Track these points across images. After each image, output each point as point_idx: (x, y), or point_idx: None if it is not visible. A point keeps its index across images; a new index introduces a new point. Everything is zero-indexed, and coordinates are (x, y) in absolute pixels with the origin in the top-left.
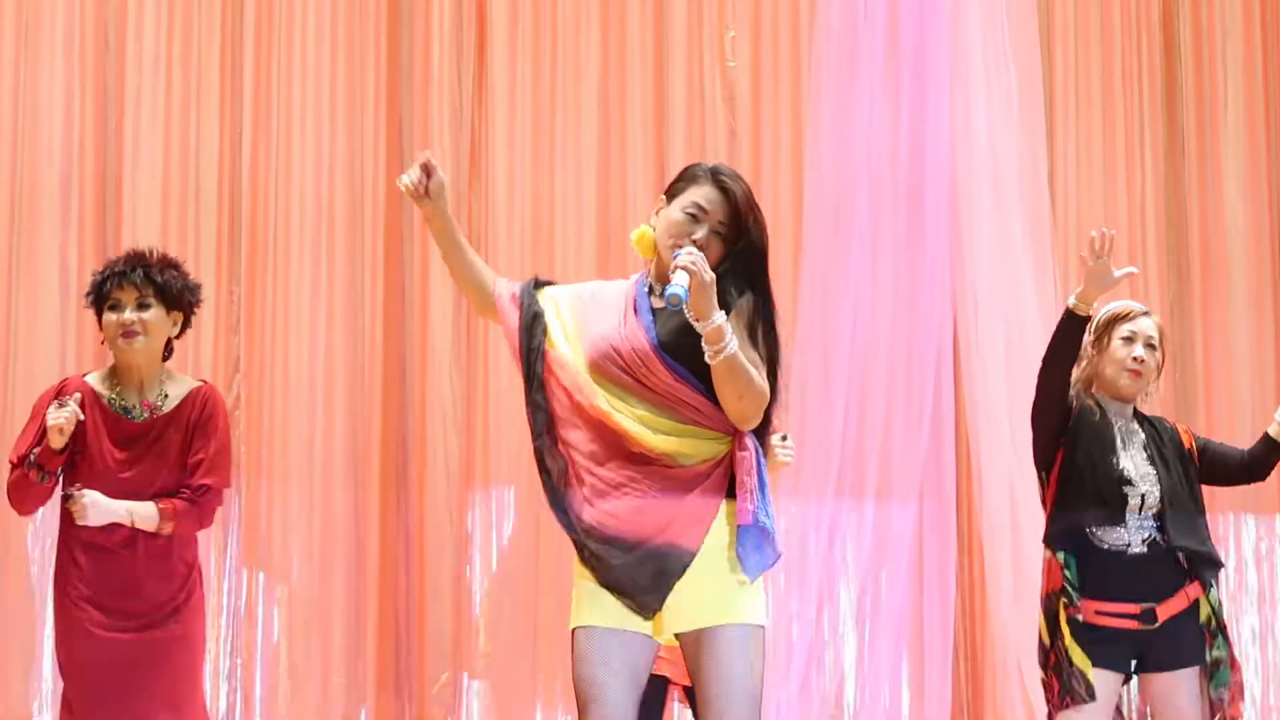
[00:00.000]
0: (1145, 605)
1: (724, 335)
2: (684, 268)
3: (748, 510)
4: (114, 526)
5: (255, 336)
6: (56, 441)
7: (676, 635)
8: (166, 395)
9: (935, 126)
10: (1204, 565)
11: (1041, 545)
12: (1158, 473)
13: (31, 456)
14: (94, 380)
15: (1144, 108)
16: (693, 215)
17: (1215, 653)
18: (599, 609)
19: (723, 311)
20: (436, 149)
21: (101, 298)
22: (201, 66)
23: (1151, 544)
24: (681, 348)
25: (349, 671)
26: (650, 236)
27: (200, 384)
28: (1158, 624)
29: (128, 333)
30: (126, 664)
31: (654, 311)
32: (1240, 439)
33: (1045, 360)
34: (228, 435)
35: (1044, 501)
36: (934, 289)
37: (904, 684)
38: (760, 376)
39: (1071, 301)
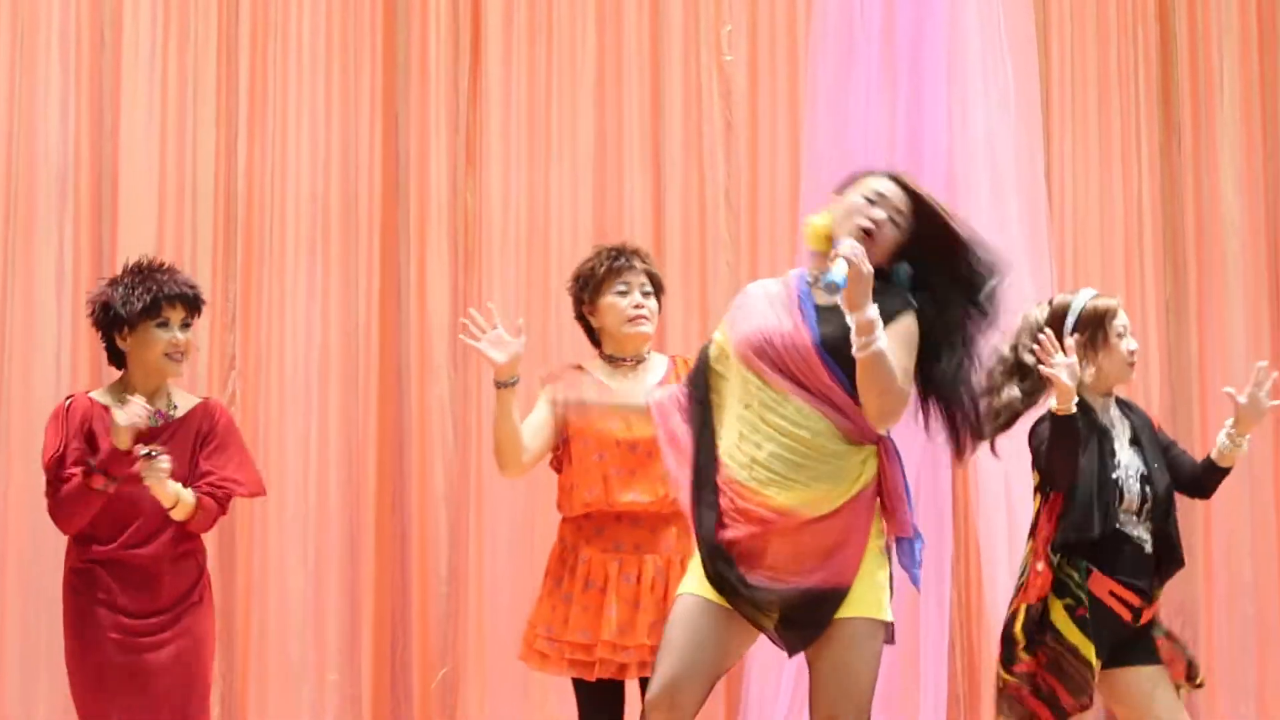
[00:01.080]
0: (1141, 602)
1: (874, 328)
2: (845, 256)
3: (907, 524)
4: (131, 527)
5: (251, 334)
6: (125, 441)
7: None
8: (176, 406)
9: (932, 122)
10: (1176, 566)
11: (1034, 547)
12: (1148, 469)
13: (92, 463)
14: (100, 395)
15: (1140, 103)
16: (870, 200)
17: (1161, 629)
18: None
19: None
20: (432, 147)
21: (149, 311)
22: (197, 64)
23: (1154, 543)
24: (841, 348)
25: (344, 669)
26: (823, 226)
27: (205, 398)
28: (1140, 624)
29: (176, 354)
30: (139, 666)
31: (817, 309)
32: None
33: (1048, 471)
34: (243, 443)
35: (1044, 509)
36: None
37: (899, 674)
38: (906, 380)
39: (1053, 404)
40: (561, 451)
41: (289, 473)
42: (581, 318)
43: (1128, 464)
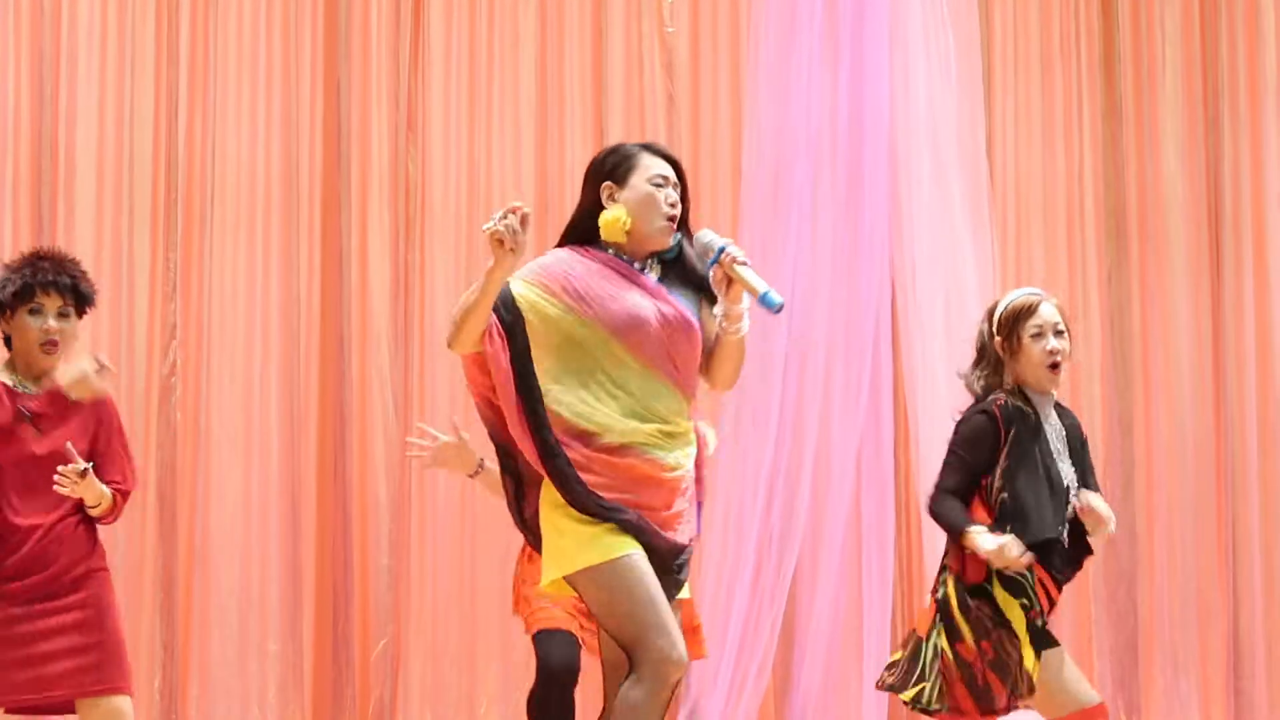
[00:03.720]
0: (1058, 595)
1: (745, 315)
2: (742, 262)
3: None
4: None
5: (191, 303)
6: (83, 393)
7: None
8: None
9: (874, 92)
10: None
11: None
12: (1075, 473)
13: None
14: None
15: (1082, 73)
16: (659, 184)
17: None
18: (618, 537)
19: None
20: (373, 116)
21: (21, 297)
22: (137, 32)
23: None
24: (699, 326)
25: (285, 639)
26: (620, 219)
27: None
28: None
29: (49, 344)
30: (39, 634)
31: (667, 289)
32: (1178, 405)
33: (933, 512)
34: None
35: (981, 503)
36: (873, 254)
37: (842, 647)
38: None
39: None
40: None
41: (230, 443)
42: None
43: (1065, 474)
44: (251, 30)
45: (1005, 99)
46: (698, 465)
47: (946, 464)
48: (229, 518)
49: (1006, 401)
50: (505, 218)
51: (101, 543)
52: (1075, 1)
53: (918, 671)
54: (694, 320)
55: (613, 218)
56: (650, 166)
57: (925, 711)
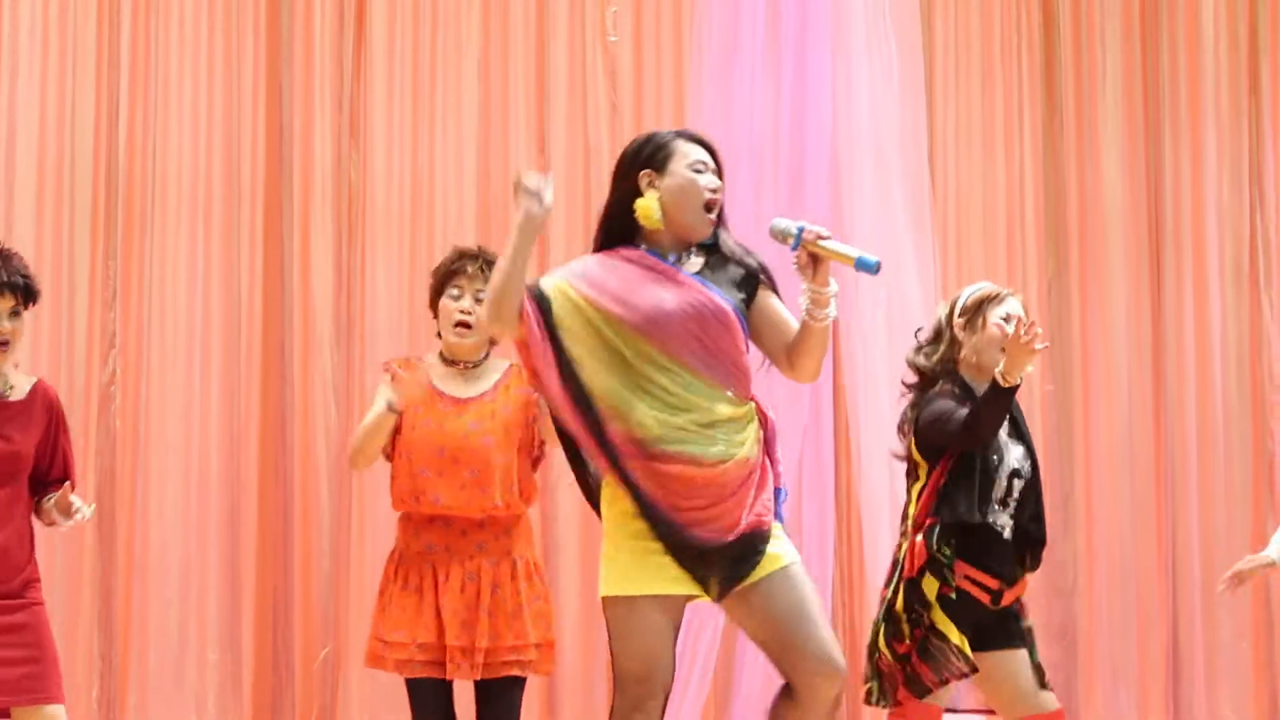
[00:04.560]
0: (1000, 584)
1: (833, 299)
2: (826, 236)
3: (779, 474)
4: None
5: (131, 310)
6: None
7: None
8: (12, 386)
9: (816, 99)
10: (1039, 549)
11: (909, 528)
12: (1025, 454)
13: None
14: None
15: (1023, 81)
16: (699, 170)
17: (1027, 622)
18: (647, 574)
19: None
20: (316, 120)
21: None
22: (78, 34)
23: (1013, 528)
24: (740, 314)
25: (225, 647)
26: (656, 206)
27: (39, 379)
28: (999, 607)
29: (2, 344)
30: None
31: (703, 280)
32: (1118, 413)
33: (974, 425)
34: None
35: (921, 489)
36: None
37: None
38: None
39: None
40: (390, 448)
41: (170, 450)
42: (434, 311)
43: (1009, 456)
44: (193, 33)
45: (947, 107)
46: (768, 448)
47: (942, 416)
48: (168, 526)
49: (951, 389)
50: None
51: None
52: (1016, 11)
53: (870, 668)
54: (729, 308)
55: (648, 207)
56: (689, 153)
57: (881, 705)
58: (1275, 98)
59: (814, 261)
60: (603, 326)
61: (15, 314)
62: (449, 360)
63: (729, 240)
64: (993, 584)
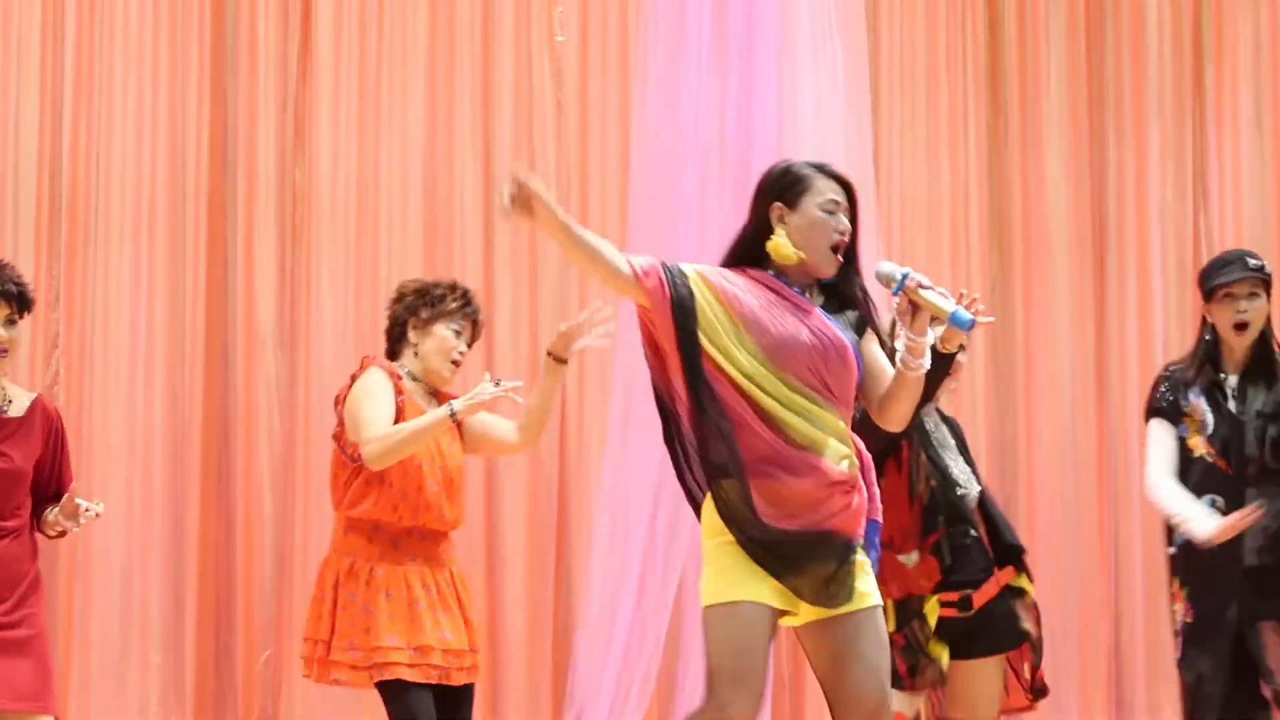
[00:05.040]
0: (963, 592)
1: (926, 350)
2: (927, 286)
3: (876, 509)
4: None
5: (75, 312)
6: None
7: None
8: (10, 400)
9: (762, 101)
10: (1014, 552)
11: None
12: (970, 467)
13: None
14: None
15: (968, 83)
16: (830, 210)
17: (1025, 624)
18: (751, 581)
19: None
20: (261, 124)
21: None
22: (22, 39)
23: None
24: (858, 353)
25: (168, 651)
26: (788, 243)
27: (39, 394)
28: (972, 610)
29: (1, 352)
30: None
31: (829, 317)
32: (1061, 415)
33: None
34: None
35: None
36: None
37: None
38: None
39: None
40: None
41: (113, 453)
42: (399, 325)
43: (959, 469)
44: (138, 37)
45: (892, 109)
46: (864, 476)
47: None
48: (111, 528)
49: None
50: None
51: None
52: (962, 13)
53: None
54: (850, 345)
55: (780, 246)
56: (823, 191)
57: None
58: (1219, 99)
59: (914, 309)
60: (733, 333)
61: (11, 322)
62: (414, 377)
63: (854, 284)
64: (950, 595)
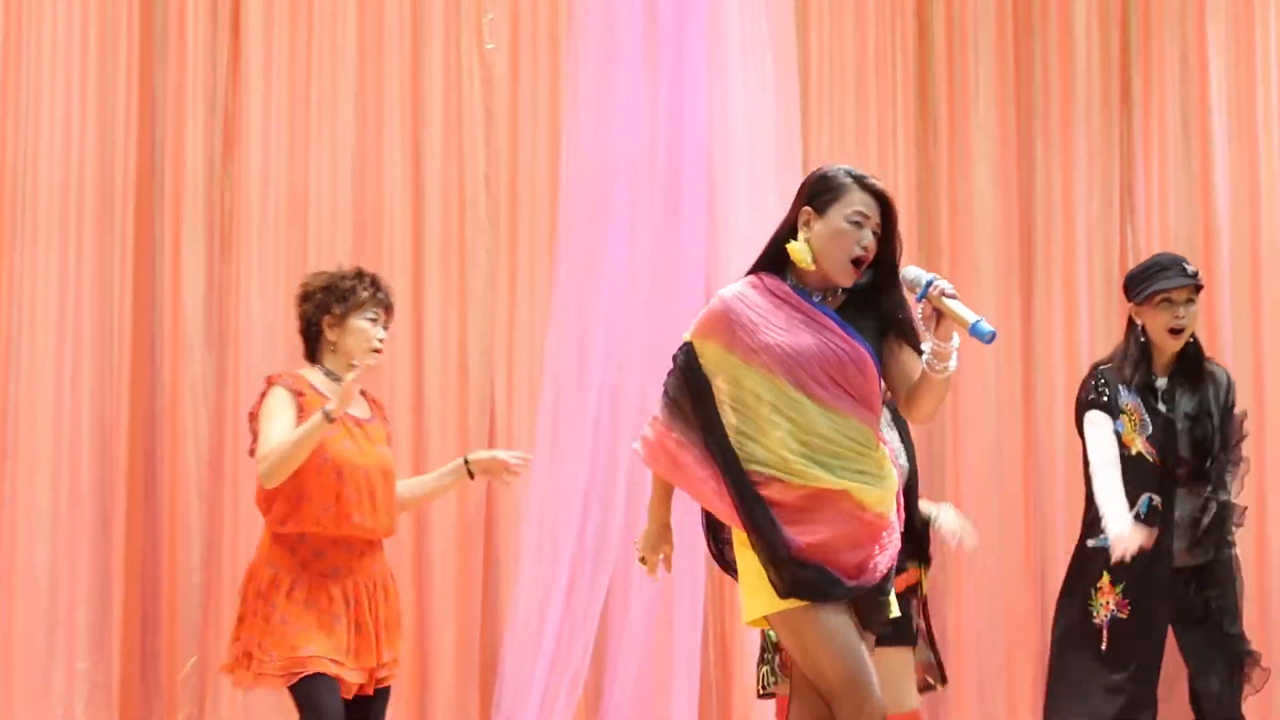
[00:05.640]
0: None
1: (953, 354)
2: (951, 295)
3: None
4: None
5: (1, 315)
6: None
7: None
8: None
9: (693, 109)
10: (923, 545)
11: None
12: (906, 449)
13: None
14: None
15: (897, 92)
16: (857, 223)
17: (920, 621)
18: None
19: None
20: (189, 128)
21: None
22: None
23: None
24: (876, 356)
25: (94, 656)
26: (806, 249)
27: None
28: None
29: None
30: None
31: (840, 320)
32: (986, 425)
33: None
34: None
35: None
36: (690, 272)
37: (653, 664)
38: None
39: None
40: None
41: (40, 457)
42: (314, 325)
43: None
44: (66, 38)
45: (821, 117)
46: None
47: None
48: (37, 531)
49: None
50: None
51: None
52: (891, 22)
53: (761, 658)
54: (867, 351)
55: (798, 250)
56: (853, 202)
57: (766, 695)
58: (1146, 110)
59: (937, 315)
60: (738, 365)
61: None
62: (332, 375)
63: (893, 296)
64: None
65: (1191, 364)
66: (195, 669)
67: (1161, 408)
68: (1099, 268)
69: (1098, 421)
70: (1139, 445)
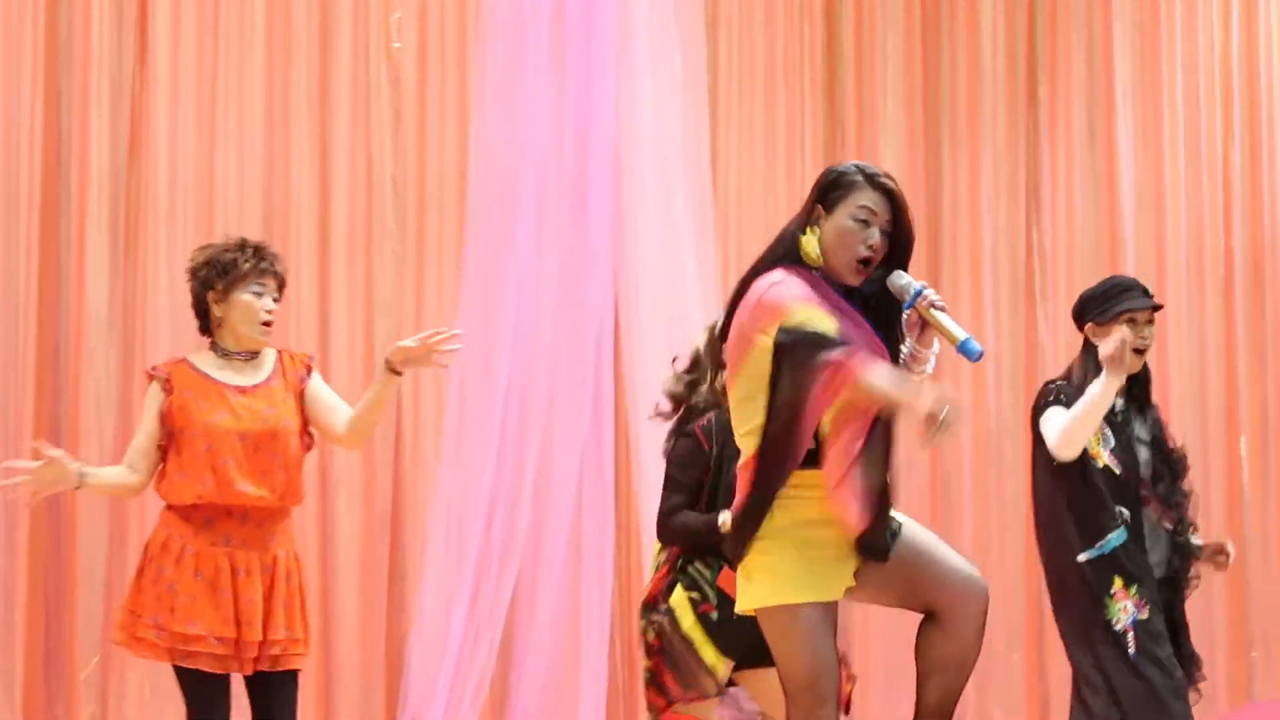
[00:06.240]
0: None
1: (932, 360)
2: (940, 307)
3: None
4: None
5: None
6: None
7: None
8: None
9: (600, 110)
10: None
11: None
12: None
13: None
14: None
15: (805, 96)
16: (864, 221)
17: None
18: (812, 581)
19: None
20: (94, 125)
21: None
22: None
23: None
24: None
25: None
26: (815, 246)
27: None
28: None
29: None
30: None
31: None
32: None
33: None
34: None
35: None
36: (597, 271)
37: (560, 664)
38: None
39: None
40: (167, 442)
41: None
42: (202, 302)
43: None
44: None
45: (730, 119)
46: None
47: (667, 484)
48: None
49: (709, 421)
50: None
51: None
52: (799, 27)
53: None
54: (883, 346)
55: (806, 244)
56: (861, 199)
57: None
58: (1052, 113)
59: (922, 323)
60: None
61: None
62: (225, 352)
63: (890, 286)
64: None
65: (1142, 389)
66: (98, 668)
67: (1121, 427)
68: (1004, 270)
69: (1056, 413)
70: (1105, 458)
